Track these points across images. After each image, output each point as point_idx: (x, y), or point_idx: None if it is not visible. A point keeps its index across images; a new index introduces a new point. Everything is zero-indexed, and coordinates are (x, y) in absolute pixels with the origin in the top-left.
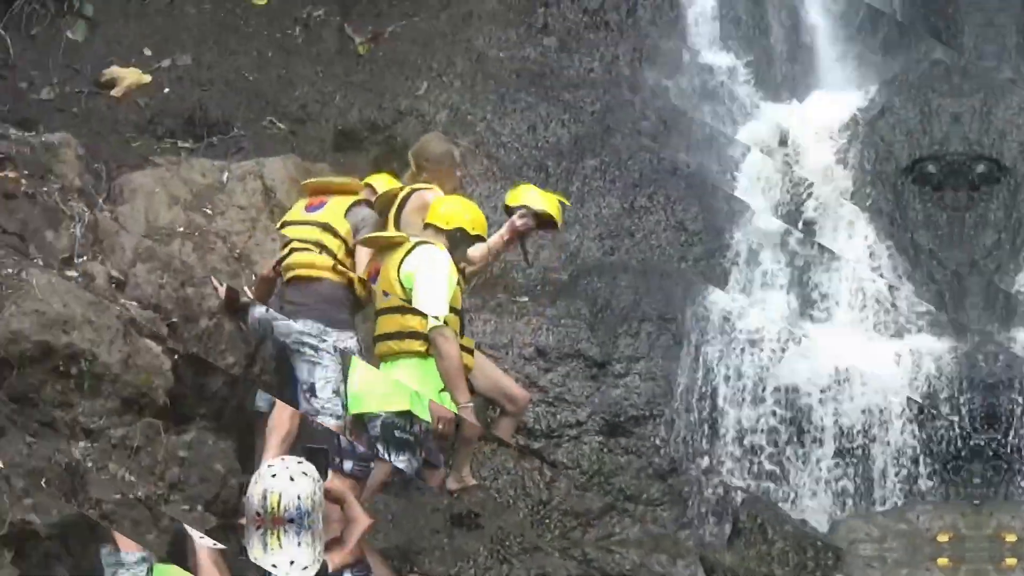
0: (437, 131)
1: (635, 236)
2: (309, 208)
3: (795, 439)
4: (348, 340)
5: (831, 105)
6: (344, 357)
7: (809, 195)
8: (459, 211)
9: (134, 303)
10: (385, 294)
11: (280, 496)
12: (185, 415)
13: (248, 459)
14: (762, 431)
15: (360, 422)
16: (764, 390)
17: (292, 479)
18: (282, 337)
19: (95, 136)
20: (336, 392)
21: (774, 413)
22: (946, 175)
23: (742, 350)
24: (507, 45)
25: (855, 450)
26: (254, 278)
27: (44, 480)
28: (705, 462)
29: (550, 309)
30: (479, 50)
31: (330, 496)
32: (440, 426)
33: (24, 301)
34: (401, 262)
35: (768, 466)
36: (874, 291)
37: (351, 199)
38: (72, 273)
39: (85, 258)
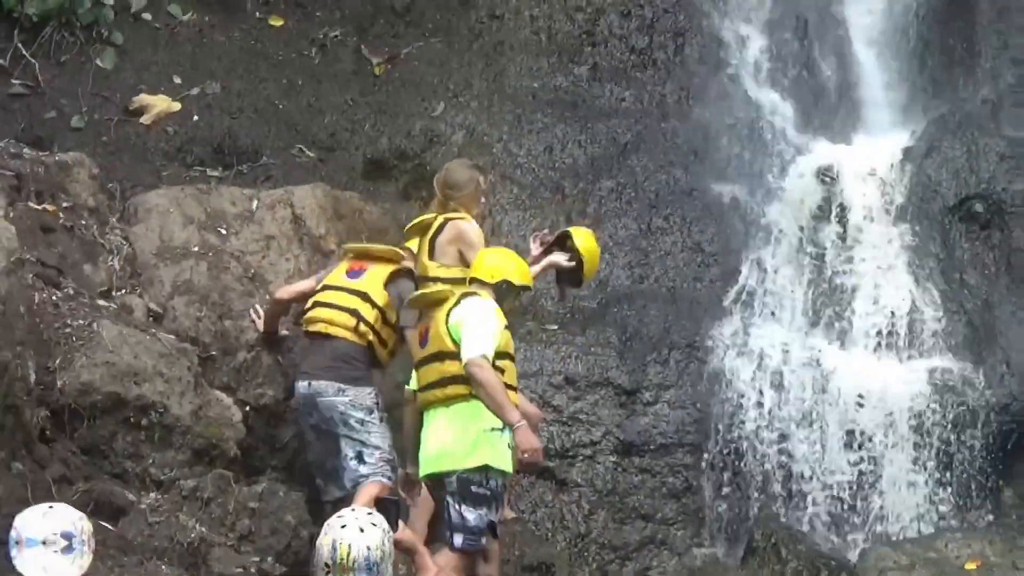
0: (460, 158)
1: (650, 257)
2: (350, 273)
3: (817, 466)
4: (367, 397)
5: (877, 143)
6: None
7: (845, 226)
8: (503, 264)
9: (172, 336)
10: (421, 344)
11: (350, 547)
12: (256, 467)
13: (318, 511)
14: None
15: (438, 482)
16: (788, 415)
17: (362, 530)
18: (328, 411)
19: (126, 167)
20: (385, 458)
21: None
22: (993, 214)
23: (773, 382)
24: (539, 74)
25: (878, 473)
26: (267, 298)
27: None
28: (727, 487)
29: (579, 337)
30: (497, 72)
31: (400, 547)
32: (526, 455)
33: (95, 352)
34: (448, 314)
35: (780, 489)
36: (903, 321)
37: (391, 268)
38: (111, 305)
39: (124, 291)
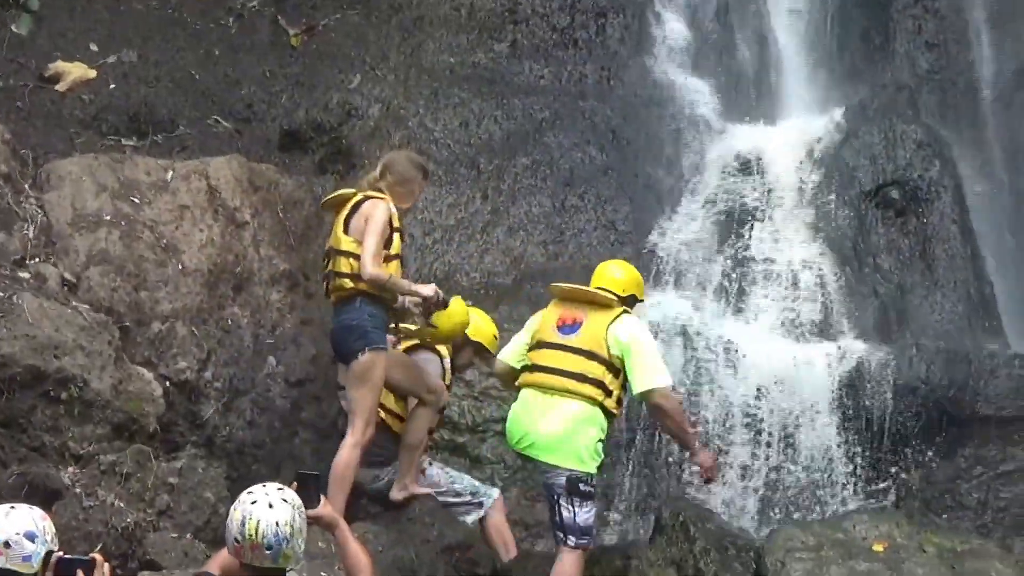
0: (417, 155)
1: (564, 234)
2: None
3: (726, 444)
4: None
5: (796, 128)
6: None
7: (761, 208)
8: (636, 278)
9: (86, 306)
10: (562, 331)
11: (259, 522)
12: (175, 442)
13: (238, 488)
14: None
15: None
16: (697, 394)
17: (271, 506)
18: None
19: (40, 134)
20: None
21: (706, 420)
22: (909, 200)
23: (688, 358)
24: (458, 50)
25: (788, 456)
26: (180, 267)
27: (100, 545)
28: (638, 466)
29: (493, 313)
30: (415, 46)
31: (322, 523)
32: (708, 474)
33: (15, 325)
34: (611, 324)
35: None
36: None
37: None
38: (29, 277)
39: (37, 260)
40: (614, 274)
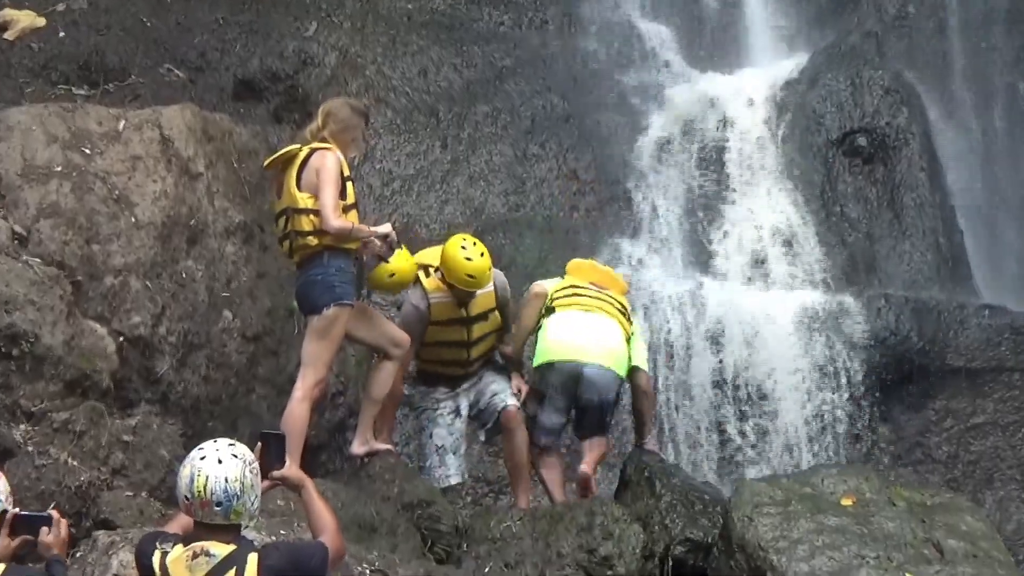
0: (355, 99)
1: (526, 184)
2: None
3: (690, 401)
4: None
5: (762, 74)
6: None
7: (727, 156)
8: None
9: (37, 260)
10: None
11: (207, 478)
12: (129, 399)
13: (194, 445)
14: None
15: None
16: (663, 346)
17: (220, 461)
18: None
19: None
20: None
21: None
22: (876, 148)
23: (644, 307)
24: None
25: (754, 408)
26: (133, 220)
27: (53, 504)
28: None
29: None
30: None
31: (288, 483)
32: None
33: None
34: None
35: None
36: (782, 252)
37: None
38: None
39: None
40: (609, 271)
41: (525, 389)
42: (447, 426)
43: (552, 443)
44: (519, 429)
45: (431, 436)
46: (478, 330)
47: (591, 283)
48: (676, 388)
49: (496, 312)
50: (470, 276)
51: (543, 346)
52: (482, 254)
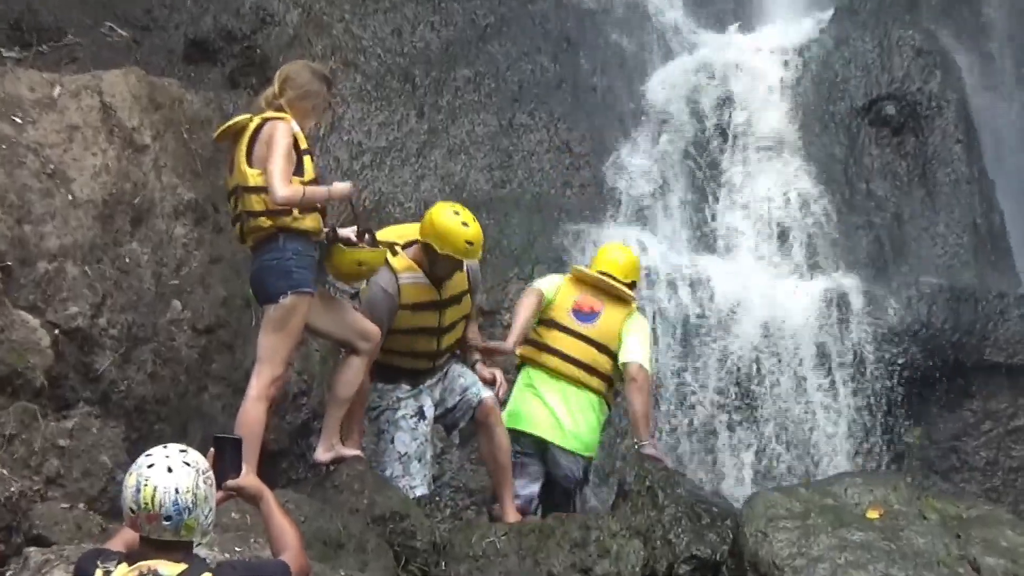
0: (316, 64)
1: (512, 158)
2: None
3: (697, 399)
4: None
5: (778, 35)
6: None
7: (738, 127)
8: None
9: None
10: (578, 316)
11: (155, 489)
12: (66, 399)
13: (139, 450)
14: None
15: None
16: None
17: (170, 469)
18: None
19: None
20: None
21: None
22: (907, 117)
23: (652, 301)
24: None
25: (769, 410)
26: (70, 198)
27: None
28: None
29: None
30: None
31: (244, 494)
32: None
33: None
34: (625, 321)
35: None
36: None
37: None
38: None
39: None
40: (616, 258)
41: (502, 380)
42: (410, 430)
43: (526, 509)
44: (499, 425)
45: (392, 442)
46: (451, 315)
47: (592, 281)
48: (678, 384)
49: (468, 296)
50: (469, 243)
51: (514, 409)
52: (473, 219)
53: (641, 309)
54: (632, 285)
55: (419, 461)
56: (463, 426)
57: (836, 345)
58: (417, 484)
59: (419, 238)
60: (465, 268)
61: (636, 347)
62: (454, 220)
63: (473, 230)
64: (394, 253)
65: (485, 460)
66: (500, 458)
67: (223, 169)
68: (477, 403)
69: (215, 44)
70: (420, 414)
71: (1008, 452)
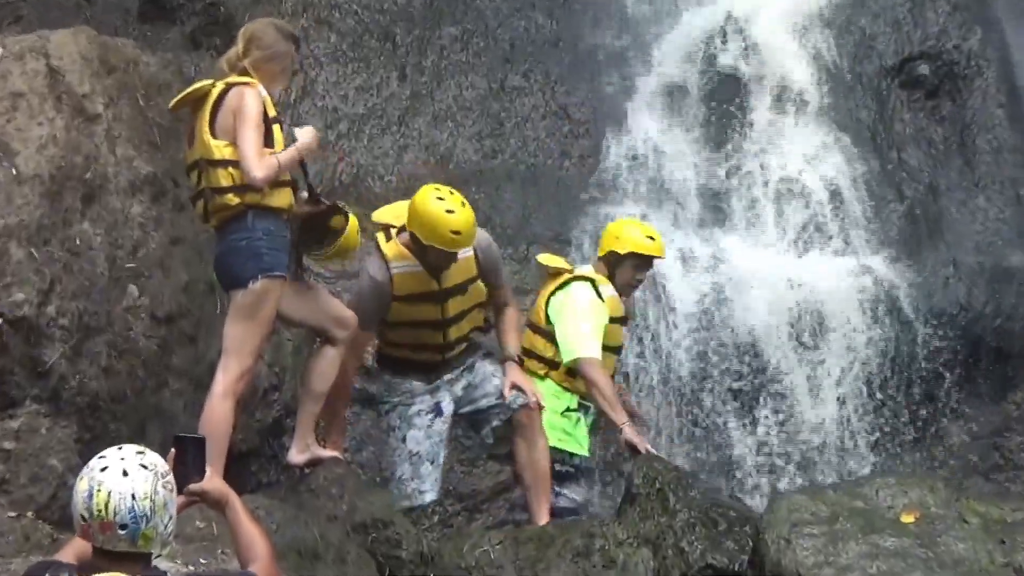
0: (283, 22)
1: (504, 125)
2: None
3: (717, 394)
4: None
5: None
6: None
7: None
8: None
9: None
10: None
11: (109, 495)
12: (10, 396)
13: (92, 452)
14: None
15: None
16: (671, 324)
17: (126, 473)
18: None
19: None
20: None
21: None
22: (942, 78)
23: (663, 287)
24: None
25: (794, 402)
26: (14, 172)
27: None
28: None
29: None
30: None
31: (208, 499)
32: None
33: None
34: (550, 295)
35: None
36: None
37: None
38: None
39: None
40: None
41: (533, 389)
42: (425, 428)
43: None
44: (542, 432)
45: (404, 440)
46: (455, 306)
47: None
48: (686, 373)
49: (478, 282)
50: (455, 233)
51: None
52: (463, 204)
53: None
54: (609, 257)
55: (431, 463)
56: (496, 425)
57: (864, 331)
58: (427, 489)
59: (406, 226)
60: (473, 250)
61: (566, 339)
62: (438, 207)
63: (460, 217)
64: (387, 238)
65: (521, 467)
66: (540, 467)
67: (184, 140)
68: (518, 408)
69: (174, 1)
70: (437, 411)
71: None
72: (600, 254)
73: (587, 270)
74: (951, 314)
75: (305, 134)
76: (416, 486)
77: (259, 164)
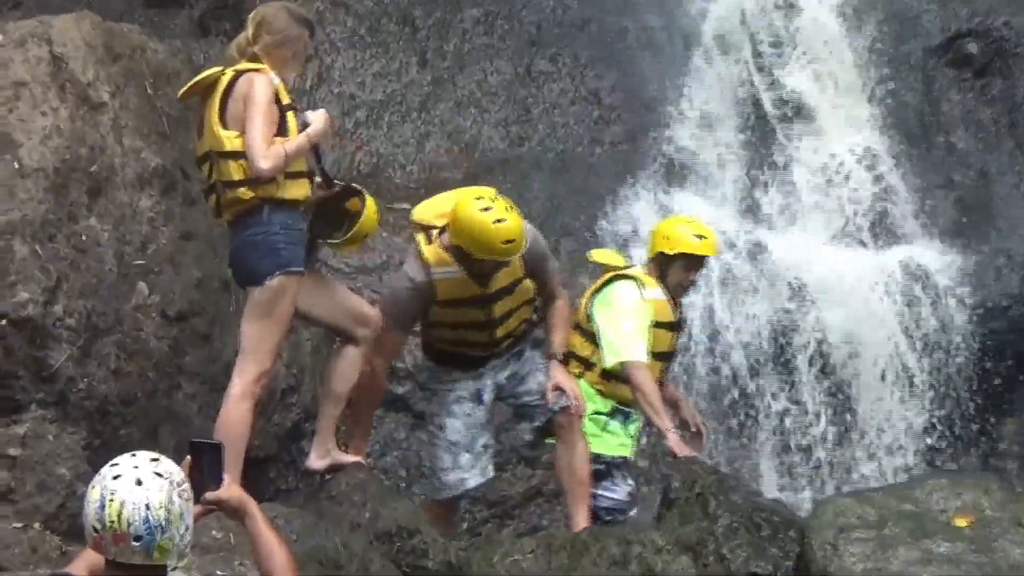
0: (296, 5)
1: (532, 111)
2: None
3: (757, 391)
4: None
5: None
6: None
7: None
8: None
9: None
10: None
11: (122, 504)
12: (16, 401)
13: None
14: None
15: None
16: (719, 324)
17: (140, 482)
18: None
19: None
20: None
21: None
22: (992, 56)
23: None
24: None
25: (837, 401)
26: (17, 165)
27: None
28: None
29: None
30: None
31: (226, 508)
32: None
33: None
34: (593, 293)
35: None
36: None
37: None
38: None
39: None
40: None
41: (576, 392)
42: (463, 416)
43: None
44: (582, 435)
45: (442, 427)
46: (501, 308)
47: None
48: (723, 370)
49: (525, 281)
50: (508, 242)
51: None
52: (509, 208)
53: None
54: (659, 258)
55: (469, 452)
56: (537, 425)
57: (912, 324)
58: (469, 476)
59: (450, 238)
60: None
61: (610, 341)
62: (485, 218)
63: (511, 225)
64: (428, 240)
65: (559, 472)
66: (578, 472)
67: (193, 130)
68: (559, 409)
69: None
70: (477, 398)
71: None
72: (649, 255)
73: (637, 270)
74: (1003, 306)
75: (317, 119)
76: (456, 476)
77: (265, 154)
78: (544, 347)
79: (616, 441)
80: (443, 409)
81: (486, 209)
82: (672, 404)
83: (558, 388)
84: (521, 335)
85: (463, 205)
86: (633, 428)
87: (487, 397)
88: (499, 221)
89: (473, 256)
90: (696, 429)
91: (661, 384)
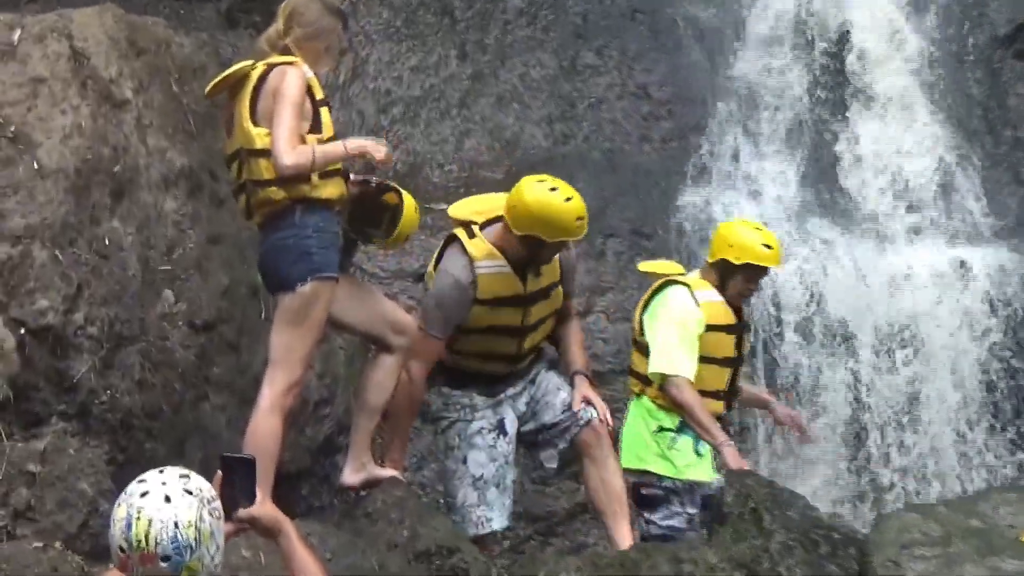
0: None
1: (577, 107)
2: None
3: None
4: None
5: None
6: None
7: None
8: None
9: None
10: None
11: (150, 523)
12: (36, 414)
13: (127, 475)
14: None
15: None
16: (777, 327)
17: (168, 499)
18: None
19: None
20: None
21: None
22: None
23: None
24: None
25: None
26: (36, 166)
27: None
28: None
29: None
30: None
31: (259, 526)
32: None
33: None
34: (646, 303)
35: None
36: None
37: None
38: None
39: None
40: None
41: (603, 406)
42: (487, 448)
43: None
44: (612, 453)
45: (464, 461)
46: (537, 312)
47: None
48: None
49: (559, 287)
50: (580, 219)
51: None
52: (568, 187)
53: None
54: (720, 264)
55: (497, 487)
56: (563, 448)
57: (977, 330)
58: (494, 516)
59: (515, 230)
60: None
61: (655, 352)
62: (555, 198)
63: (578, 202)
64: (471, 235)
65: (592, 491)
66: (613, 488)
67: (221, 129)
68: (585, 423)
69: None
70: (500, 429)
71: None
72: (710, 260)
73: (691, 276)
74: None
75: (373, 145)
76: (483, 513)
77: (290, 150)
78: (562, 366)
79: (683, 462)
80: (464, 440)
81: (553, 189)
82: (760, 405)
83: (586, 400)
84: (538, 356)
85: (531, 191)
86: (707, 446)
87: (511, 428)
88: (569, 199)
89: (544, 241)
90: (794, 424)
91: (732, 392)
